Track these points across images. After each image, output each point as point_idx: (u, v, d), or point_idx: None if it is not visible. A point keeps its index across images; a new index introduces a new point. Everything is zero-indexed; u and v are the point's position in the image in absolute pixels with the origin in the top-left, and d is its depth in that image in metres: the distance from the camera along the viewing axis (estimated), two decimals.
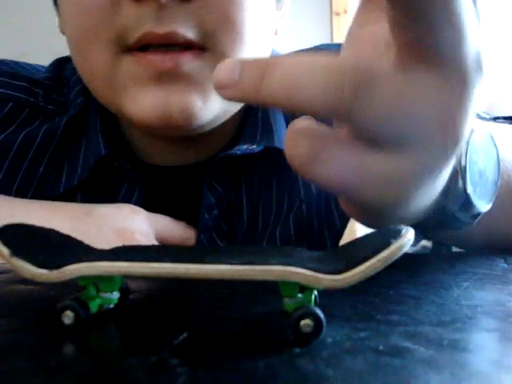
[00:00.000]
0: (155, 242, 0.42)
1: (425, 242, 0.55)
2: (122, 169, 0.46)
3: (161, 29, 0.36)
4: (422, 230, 0.30)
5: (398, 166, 0.21)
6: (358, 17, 0.25)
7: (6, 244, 0.18)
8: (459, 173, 0.27)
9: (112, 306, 0.20)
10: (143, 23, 0.36)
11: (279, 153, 0.46)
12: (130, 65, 0.38)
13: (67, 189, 0.46)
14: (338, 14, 1.97)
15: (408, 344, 0.16)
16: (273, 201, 0.49)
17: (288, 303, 0.18)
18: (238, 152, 0.46)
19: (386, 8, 0.20)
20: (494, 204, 0.31)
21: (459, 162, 0.27)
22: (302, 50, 0.57)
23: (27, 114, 0.48)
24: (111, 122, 0.48)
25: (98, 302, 0.19)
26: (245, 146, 0.46)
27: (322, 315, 0.17)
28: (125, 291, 0.21)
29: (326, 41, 1.94)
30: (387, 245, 0.17)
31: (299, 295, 0.18)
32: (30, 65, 0.53)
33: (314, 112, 0.20)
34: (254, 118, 0.49)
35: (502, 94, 1.88)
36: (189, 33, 0.37)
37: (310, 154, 0.21)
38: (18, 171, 0.46)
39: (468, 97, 0.21)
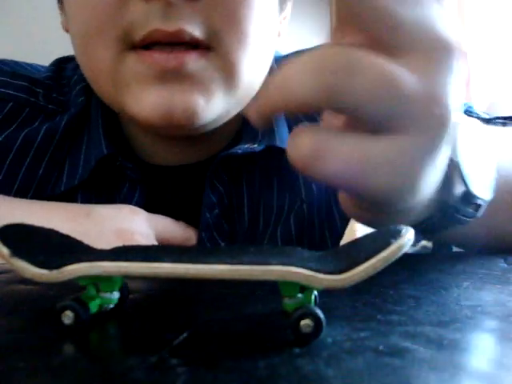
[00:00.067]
0: (155, 243, 0.42)
1: (425, 242, 0.55)
2: (124, 168, 0.46)
3: (168, 26, 0.36)
4: (428, 229, 0.30)
5: (398, 148, 0.22)
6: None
7: (6, 244, 0.18)
8: (455, 165, 0.28)
9: (112, 305, 0.20)
10: (150, 21, 0.36)
11: (280, 152, 0.46)
12: (135, 63, 0.38)
13: (68, 188, 0.46)
14: None
15: (408, 344, 0.16)
16: (274, 200, 0.49)
17: (288, 303, 0.18)
18: (240, 151, 0.46)
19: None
20: (494, 202, 0.31)
21: (453, 152, 0.28)
22: (303, 50, 0.57)
23: (27, 114, 0.48)
24: (113, 121, 0.48)
25: (97, 302, 0.19)
26: (246, 146, 0.46)
27: (321, 315, 0.17)
28: (125, 291, 0.21)
29: (326, 41, 1.94)
30: (387, 245, 0.17)
31: (299, 295, 0.18)
32: (30, 65, 0.53)
33: (309, 105, 0.21)
34: None
35: (502, 94, 1.88)
36: (195, 31, 0.37)
37: (313, 152, 0.22)
38: (19, 171, 0.46)
39: (451, 69, 0.22)
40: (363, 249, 0.17)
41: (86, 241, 0.22)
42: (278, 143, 0.46)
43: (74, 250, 0.20)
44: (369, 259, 0.17)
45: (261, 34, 0.41)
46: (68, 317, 0.18)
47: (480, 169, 0.30)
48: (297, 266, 0.17)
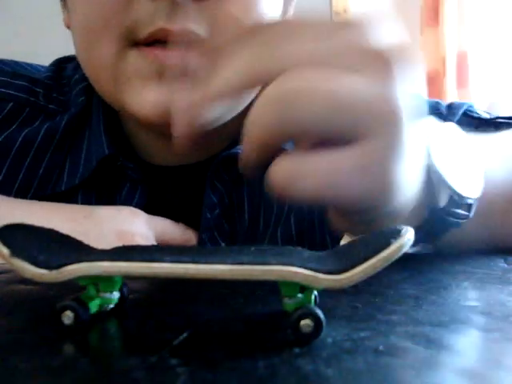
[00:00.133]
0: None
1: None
2: (125, 168, 0.46)
3: (173, 26, 0.36)
4: (425, 236, 0.30)
5: (362, 153, 0.23)
6: None
7: (6, 244, 0.18)
8: (433, 169, 0.29)
9: (112, 305, 0.20)
10: (156, 19, 0.36)
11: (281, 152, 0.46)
12: (136, 59, 0.38)
13: (69, 187, 0.46)
14: (338, 13, 1.97)
15: (408, 344, 0.16)
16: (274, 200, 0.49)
17: (288, 303, 0.18)
18: (240, 151, 0.46)
19: None
20: (487, 205, 0.32)
21: (429, 157, 0.29)
22: None
23: (28, 114, 0.48)
24: (114, 120, 0.48)
25: (97, 302, 0.19)
26: None
27: (321, 315, 0.17)
28: (125, 291, 0.21)
29: None
30: (387, 245, 0.17)
31: (299, 295, 0.18)
32: (30, 64, 0.53)
33: (273, 141, 0.24)
34: None
35: (502, 94, 1.88)
36: (200, 31, 0.37)
37: (291, 175, 0.23)
38: (19, 171, 0.46)
39: (393, 73, 0.24)
40: (363, 249, 0.17)
41: (86, 242, 0.22)
42: None
43: (74, 249, 0.20)
44: (369, 259, 0.17)
45: None
46: (68, 317, 0.18)
47: (464, 169, 0.31)
48: (297, 266, 0.17)
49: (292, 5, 0.49)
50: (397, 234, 0.17)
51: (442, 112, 0.53)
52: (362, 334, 0.18)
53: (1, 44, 1.56)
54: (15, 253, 0.18)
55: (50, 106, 0.49)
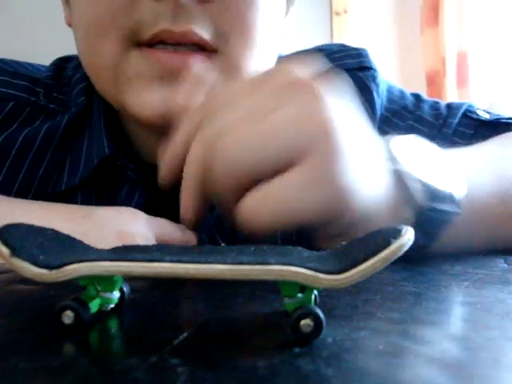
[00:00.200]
0: None
1: None
2: (124, 168, 0.46)
3: (177, 27, 0.36)
4: (423, 236, 0.31)
5: (308, 168, 0.26)
6: None
7: (6, 244, 0.18)
8: (401, 171, 0.31)
9: (112, 305, 0.20)
10: (159, 20, 0.36)
11: None
12: (138, 60, 0.38)
13: (69, 187, 0.46)
14: (338, 13, 1.97)
15: (408, 343, 0.16)
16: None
17: (288, 303, 0.18)
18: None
19: None
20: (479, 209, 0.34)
21: (394, 162, 0.31)
22: (303, 51, 0.57)
23: (28, 113, 0.48)
24: (114, 119, 0.48)
25: (97, 301, 0.19)
26: None
27: (321, 315, 0.17)
28: (125, 291, 0.21)
29: (326, 41, 1.94)
30: (387, 244, 0.17)
31: (299, 295, 0.18)
32: (31, 64, 0.53)
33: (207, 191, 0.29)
34: None
35: (502, 94, 1.88)
36: (204, 33, 0.37)
37: (248, 210, 0.26)
38: (20, 170, 0.46)
39: (301, 96, 0.27)
40: (363, 249, 0.17)
41: (86, 242, 0.22)
42: None
43: (74, 249, 0.20)
44: (369, 259, 0.17)
45: (267, 39, 0.41)
46: (68, 317, 0.18)
47: (436, 169, 0.32)
48: (297, 266, 0.17)
49: (294, 5, 0.49)
50: (397, 233, 0.17)
51: (441, 112, 0.53)
52: (362, 334, 0.18)
53: (1, 44, 1.56)
54: (15, 253, 0.18)
55: (51, 105, 0.49)
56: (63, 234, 0.21)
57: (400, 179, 0.31)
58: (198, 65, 0.38)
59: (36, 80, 0.50)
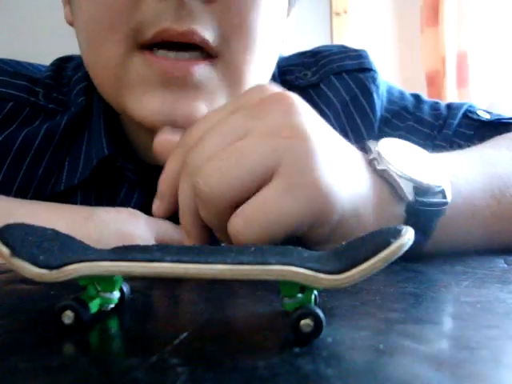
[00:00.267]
0: None
1: None
2: (123, 169, 0.46)
3: (179, 26, 0.36)
4: (419, 232, 0.31)
5: (284, 177, 0.27)
6: None
7: (6, 244, 0.18)
8: (387, 171, 0.32)
9: (112, 305, 0.20)
10: (162, 20, 0.36)
11: None
12: (140, 65, 0.38)
13: (68, 187, 0.46)
14: (338, 13, 1.97)
15: (408, 342, 0.16)
16: None
17: (288, 303, 0.18)
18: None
19: None
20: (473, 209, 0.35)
21: (381, 161, 0.32)
22: (303, 52, 0.57)
23: (28, 113, 0.48)
24: (114, 120, 0.48)
25: (97, 301, 0.19)
26: None
27: (321, 315, 0.17)
28: (125, 291, 0.21)
29: (326, 41, 1.94)
30: (387, 244, 0.17)
31: (299, 295, 0.18)
32: (31, 64, 0.53)
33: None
34: None
35: (502, 94, 1.88)
36: (206, 33, 0.37)
37: (237, 225, 0.28)
38: (19, 170, 0.46)
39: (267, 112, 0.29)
40: (363, 249, 0.17)
41: (86, 243, 0.22)
42: None
43: (75, 249, 0.20)
44: (369, 259, 0.17)
45: (268, 41, 0.41)
46: (68, 317, 0.18)
47: (421, 166, 0.33)
48: (297, 266, 0.17)
49: (295, 7, 0.49)
50: (397, 233, 0.17)
51: (441, 113, 0.53)
52: (362, 333, 0.18)
53: (1, 44, 1.56)
54: (15, 253, 0.18)
55: (50, 105, 0.49)
56: (63, 234, 0.21)
57: (387, 178, 0.32)
58: (200, 72, 0.38)
59: (36, 80, 0.50)
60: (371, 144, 0.34)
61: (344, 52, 0.55)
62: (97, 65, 0.41)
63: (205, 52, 0.38)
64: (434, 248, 0.33)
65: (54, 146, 0.47)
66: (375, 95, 0.53)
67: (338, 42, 1.93)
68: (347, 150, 0.32)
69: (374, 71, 0.54)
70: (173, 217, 0.45)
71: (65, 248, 0.20)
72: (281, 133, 0.28)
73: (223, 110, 0.32)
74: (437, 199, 0.32)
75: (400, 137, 0.51)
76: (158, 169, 0.48)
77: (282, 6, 0.43)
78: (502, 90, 1.89)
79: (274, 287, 0.18)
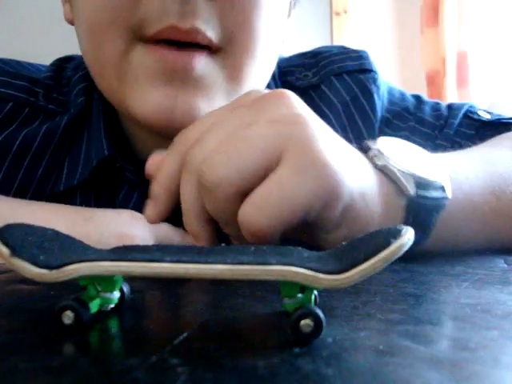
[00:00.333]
0: None
1: None
2: (123, 170, 0.46)
3: (183, 24, 0.36)
4: (419, 228, 0.31)
5: (292, 162, 0.27)
6: None
7: (6, 244, 0.18)
8: (389, 167, 0.32)
9: (112, 305, 0.20)
10: (166, 16, 0.36)
11: None
12: (142, 56, 0.38)
13: (67, 188, 0.46)
14: (338, 13, 1.97)
15: (408, 343, 0.16)
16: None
17: (288, 303, 0.18)
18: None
19: None
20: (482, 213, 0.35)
21: (381, 158, 0.32)
22: (304, 53, 0.57)
23: (27, 114, 0.48)
24: (114, 121, 0.48)
25: (98, 302, 0.19)
26: None
27: (321, 315, 0.17)
28: (125, 291, 0.21)
29: (326, 41, 1.94)
30: (387, 244, 0.17)
31: (299, 295, 0.18)
32: (31, 64, 0.53)
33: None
34: None
35: (502, 94, 1.88)
36: (209, 31, 0.37)
37: (254, 210, 0.27)
38: (18, 171, 0.46)
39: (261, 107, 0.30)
40: (363, 249, 0.17)
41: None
42: None
43: (74, 249, 0.20)
44: (369, 259, 0.17)
45: (270, 40, 0.41)
46: (68, 317, 0.18)
47: (421, 161, 0.34)
48: (297, 266, 0.17)
49: (296, 8, 0.49)
50: (397, 233, 0.17)
51: (442, 113, 0.53)
52: (362, 334, 0.18)
53: (1, 44, 1.56)
54: (15, 253, 0.18)
55: (50, 106, 0.49)
56: (63, 234, 0.21)
57: (388, 173, 0.32)
58: (201, 64, 0.38)
59: (35, 80, 0.50)
60: (370, 143, 0.34)
61: (344, 53, 0.55)
62: (98, 61, 0.41)
63: (207, 47, 0.38)
64: (435, 245, 0.33)
65: (54, 146, 0.47)
66: (376, 96, 0.53)
67: (338, 42, 1.93)
68: (347, 146, 0.32)
69: (375, 72, 0.54)
70: (172, 219, 0.45)
71: (65, 248, 0.20)
72: (284, 121, 0.28)
73: (221, 109, 0.32)
74: (437, 194, 0.32)
75: (401, 137, 0.51)
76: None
77: (283, 6, 0.44)
78: (502, 90, 1.89)
79: (274, 287, 0.18)
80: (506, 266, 0.31)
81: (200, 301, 0.24)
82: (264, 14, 0.39)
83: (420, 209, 0.32)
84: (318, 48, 0.57)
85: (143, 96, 0.38)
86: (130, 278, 0.20)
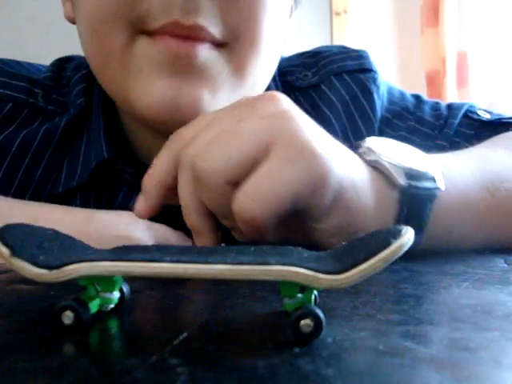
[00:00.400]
0: None
1: None
2: (122, 172, 0.46)
3: (187, 20, 0.36)
4: (412, 220, 0.33)
5: (270, 166, 0.28)
6: None
7: (6, 244, 0.18)
8: (380, 161, 0.33)
9: (112, 305, 0.20)
10: (169, 12, 0.36)
11: None
12: (146, 48, 0.38)
13: (66, 190, 0.46)
14: (338, 13, 1.97)
15: (408, 343, 0.16)
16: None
17: (288, 303, 0.18)
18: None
19: None
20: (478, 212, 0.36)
21: (371, 153, 0.34)
22: (303, 52, 0.57)
23: (26, 115, 0.48)
24: (114, 122, 0.48)
25: (97, 302, 0.19)
26: None
27: (321, 315, 0.17)
28: (125, 291, 0.21)
29: (326, 41, 1.94)
30: (387, 244, 0.17)
31: (299, 295, 0.18)
32: (31, 64, 0.53)
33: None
34: None
35: (502, 94, 1.88)
36: (213, 28, 0.37)
37: (246, 199, 0.28)
38: (17, 171, 0.46)
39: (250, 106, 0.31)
40: (363, 249, 0.17)
41: None
42: None
43: (74, 249, 0.20)
44: (369, 259, 0.17)
45: (273, 37, 0.41)
46: (68, 317, 0.18)
47: (416, 156, 0.35)
48: (297, 266, 0.17)
49: (297, 9, 0.49)
50: (397, 233, 0.17)
51: (442, 113, 0.53)
52: (362, 334, 0.18)
53: (1, 44, 1.56)
54: (15, 253, 0.18)
55: (49, 107, 0.49)
56: (63, 234, 0.21)
57: (378, 167, 0.33)
58: (205, 52, 0.38)
59: (35, 81, 0.50)
60: (360, 142, 0.35)
61: (344, 52, 0.55)
62: (101, 56, 0.40)
63: (210, 42, 0.38)
64: (429, 242, 0.34)
65: (53, 147, 0.47)
66: (376, 96, 0.53)
67: (338, 42, 1.93)
68: (336, 141, 0.33)
69: (375, 72, 0.54)
70: (170, 221, 0.45)
71: (65, 248, 0.20)
72: (272, 116, 0.30)
73: (217, 111, 0.33)
74: (429, 184, 0.33)
75: (401, 137, 0.51)
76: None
77: (286, 5, 0.44)
78: (502, 90, 1.89)
79: (274, 287, 0.18)
80: (505, 265, 0.31)
81: (200, 301, 0.24)
82: (268, 10, 0.39)
83: (413, 199, 0.33)
84: (318, 48, 0.57)
85: (147, 87, 0.38)
86: (129, 278, 0.20)
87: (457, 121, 0.52)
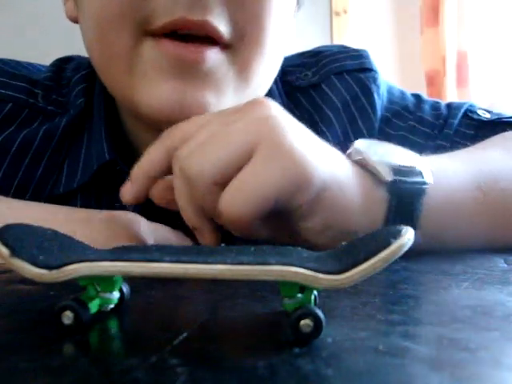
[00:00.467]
0: None
1: None
2: (123, 173, 0.46)
3: (194, 16, 0.36)
4: (403, 215, 0.34)
5: (264, 153, 0.29)
6: None
7: (6, 244, 0.18)
8: (366, 159, 0.34)
9: (112, 305, 0.20)
10: (176, 8, 0.36)
11: None
12: (152, 50, 0.37)
13: (67, 191, 0.46)
14: (338, 13, 1.97)
15: (408, 344, 0.16)
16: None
17: (288, 303, 0.18)
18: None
19: None
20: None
21: (357, 153, 0.34)
22: (303, 52, 0.57)
23: (26, 115, 0.48)
24: (115, 122, 0.48)
25: (97, 302, 0.19)
26: None
27: (321, 315, 0.17)
28: (125, 291, 0.21)
29: (326, 41, 1.94)
30: (387, 245, 0.17)
31: (299, 295, 0.18)
32: (31, 64, 0.53)
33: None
34: None
35: (502, 94, 1.88)
36: (219, 25, 0.37)
37: (232, 198, 0.29)
38: (17, 172, 0.46)
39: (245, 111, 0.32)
40: (363, 249, 0.17)
41: None
42: None
43: (74, 250, 0.20)
44: (369, 259, 0.17)
45: (278, 38, 0.41)
46: (68, 317, 0.18)
47: (403, 154, 0.35)
48: (297, 266, 0.17)
49: (299, 10, 0.49)
50: (397, 234, 0.17)
51: (442, 112, 0.53)
52: (362, 334, 0.18)
53: (1, 44, 1.56)
54: (15, 253, 0.18)
55: (49, 107, 0.49)
56: (63, 234, 0.21)
57: (365, 166, 0.34)
58: (212, 58, 0.38)
59: (35, 81, 0.49)
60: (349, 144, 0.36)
61: (345, 52, 0.55)
62: (105, 56, 0.40)
63: (217, 43, 0.38)
64: (424, 242, 0.33)
65: (53, 147, 0.47)
66: (376, 95, 0.53)
67: (338, 41, 1.93)
68: (321, 142, 0.34)
69: (375, 71, 0.54)
70: (170, 222, 0.45)
71: (64, 248, 0.20)
72: (257, 121, 0.31)
73: (210, 114, 0.34)
74: (417, 179, 0.33)
75: (401, 136, 0.51)
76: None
77: (291, 5, 0.44)
78: (502, 90, 1.89)
79: (274, 287, 0.18)
80: (505, 265, 0.31)
81: (200, 301, 0.24)
82: (273, 11, 0.39)
83: (401, 194, 0.33)
84: (318, 47, 0.57)
85: (152, 90, 0.38)
86: (129, 278, 0.20)
87: (456, 121, 0.52)
